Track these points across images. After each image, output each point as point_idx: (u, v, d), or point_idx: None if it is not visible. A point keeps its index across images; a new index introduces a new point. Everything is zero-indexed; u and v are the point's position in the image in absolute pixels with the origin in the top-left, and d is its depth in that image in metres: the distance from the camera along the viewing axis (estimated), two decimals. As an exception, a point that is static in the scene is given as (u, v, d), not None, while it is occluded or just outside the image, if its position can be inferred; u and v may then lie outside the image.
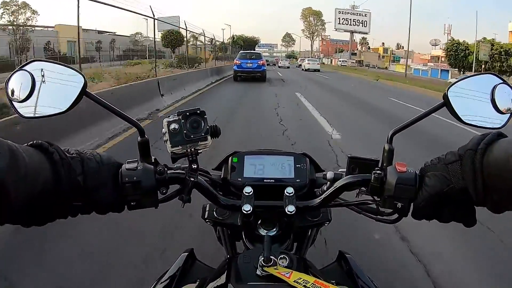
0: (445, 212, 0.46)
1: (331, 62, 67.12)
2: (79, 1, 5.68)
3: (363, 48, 72.60)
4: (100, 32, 30.64)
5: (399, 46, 69.74)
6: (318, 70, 27.76)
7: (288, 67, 34.45)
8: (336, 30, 58.82)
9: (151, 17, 8.74)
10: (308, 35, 74.64)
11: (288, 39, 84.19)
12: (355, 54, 64.31)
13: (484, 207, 0.43)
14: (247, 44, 55.64)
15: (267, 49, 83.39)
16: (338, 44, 73.39)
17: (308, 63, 29.30)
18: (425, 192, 0.46)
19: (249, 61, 13.88)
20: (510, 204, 0.41)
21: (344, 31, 58.82)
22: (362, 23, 58.40)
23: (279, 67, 34.60)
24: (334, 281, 0.49)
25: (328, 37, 73.91)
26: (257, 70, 13.78)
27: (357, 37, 65.87)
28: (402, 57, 59.58)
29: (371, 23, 59.45)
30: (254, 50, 42.49)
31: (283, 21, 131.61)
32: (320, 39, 73.99)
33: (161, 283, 0.57)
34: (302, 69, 29.58)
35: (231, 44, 37.54)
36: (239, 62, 13.87)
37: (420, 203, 0.46)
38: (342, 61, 53.03)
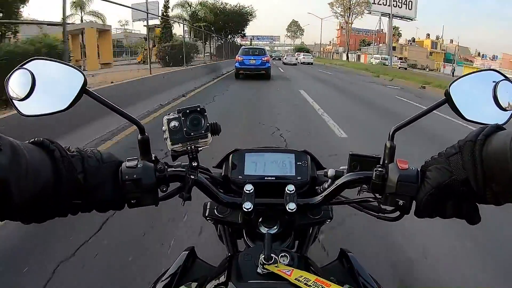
0: (448, 207, 0.54)
1: (358, 59, 55.33)
2: None
3: (405, 41, 59.44)
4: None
5: (440, 40, 58.43)
6: (311, 63, 38.57)
7: (295, 64, 35.09)
8: (370, 13, 50.41)
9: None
10: (341, 14, 53.59)
11: (294, 28, 79.34)
12: (394, 48, 49.93)
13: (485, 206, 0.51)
14: (225, 20, 31.32)
15: (268, 42, 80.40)
16: (361, 34, 62.44)
17: (304, 58, 41.82)
18: (427, 185, 0.53)
19: (252, 58, 14.60)
20: (510, 195, 0.48)
21: (382, 14, 50.38)
22: (406, 5, 50.55)
23: (283, 63, 35.89)
24: (335, 279, 0.57)
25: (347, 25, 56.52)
26: (261, 67, 14.63)
27: (385, 27, 52.64)
28: (453, 54, 47.89)
29: (417, 5, 50.06)
30: (244, 33, 38.73)
31: (287, 10, 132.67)
32: (342, 25, 58.23)
33: (162, 281, 0.65)
34: (298, 62, 39.39)
35: (180, 20, 21.35)
36: (241, 58, 14.57)
37: (422, 198, 0.54)
38: (382, 58, 43.03)
